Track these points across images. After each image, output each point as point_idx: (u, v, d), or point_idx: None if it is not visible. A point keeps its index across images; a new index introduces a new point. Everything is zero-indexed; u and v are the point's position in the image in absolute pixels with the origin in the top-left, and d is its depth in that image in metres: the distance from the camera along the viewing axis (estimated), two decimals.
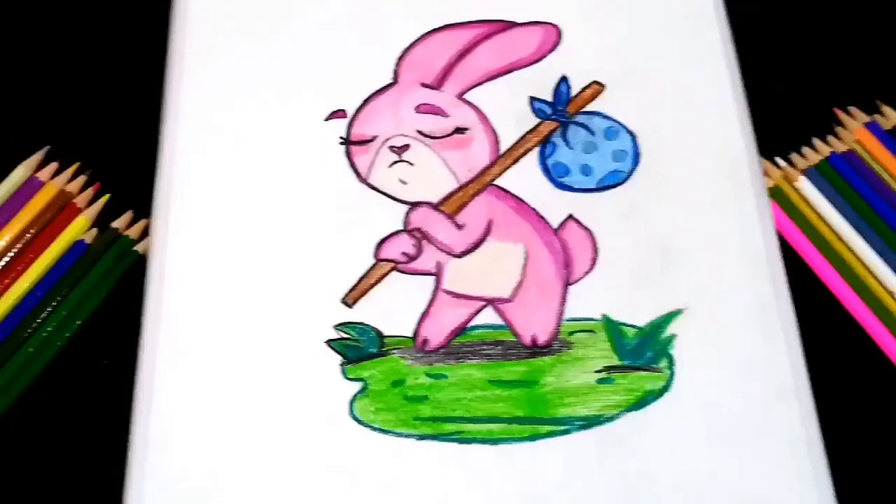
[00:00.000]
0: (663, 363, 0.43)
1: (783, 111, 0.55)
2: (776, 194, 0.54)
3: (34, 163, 0.52)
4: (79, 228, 0.51)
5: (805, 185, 0.54)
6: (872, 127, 0.55)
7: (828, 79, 0.58)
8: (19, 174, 0.52)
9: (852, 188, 0.53)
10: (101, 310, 0.49)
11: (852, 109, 0.56)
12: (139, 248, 0.51)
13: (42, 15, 0.58)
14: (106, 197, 0.52)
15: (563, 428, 0.42)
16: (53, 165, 0.52)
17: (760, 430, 0.42)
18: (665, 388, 0.42)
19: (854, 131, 0.55)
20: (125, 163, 0.52)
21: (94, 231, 0.51)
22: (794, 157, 0.55)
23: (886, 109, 0.55)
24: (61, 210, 0.51)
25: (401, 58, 0.49)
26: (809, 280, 0.52)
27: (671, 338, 0.43)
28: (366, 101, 0.48)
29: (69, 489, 0.46)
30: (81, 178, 0.52)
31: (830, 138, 0.55)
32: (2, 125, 0.55)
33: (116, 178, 0.52)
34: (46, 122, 0.55)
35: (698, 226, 0.46)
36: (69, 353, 0.48)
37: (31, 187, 0.51)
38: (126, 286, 0.49)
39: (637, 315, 0.44)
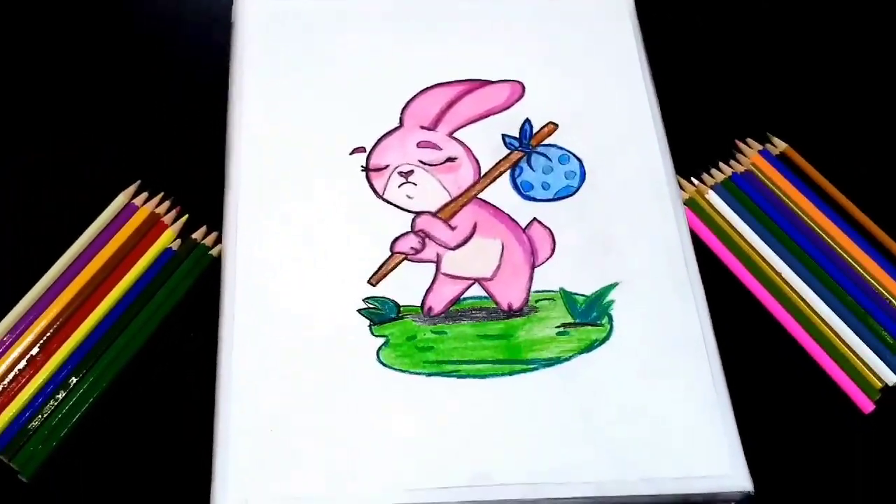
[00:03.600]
0: (605, 320, 0.48)
1: (695, 140, 0.59)
2: (691, 204, 0.58)
3: (130, 192, 0.56)
4: (166, 240, 0.55)
5: (713, 197, 0.59)
6: (764, 153, 0.60)
7: (729, 114, 0.63)
8: (119, 201, 0.56)
9: (750, 199, 0.59)
10: (186, 299, 0.54)
11: (748, 140, 0.61)
12: (213, 252, 0.55)
13: (134, 87, 0.63)
14: (186, 216, 0.56)
15: (532, 367, 0.46)
16: (144, 194, 0.57)
17: (677, 368, 0.47)
18: (606, 338, 0.47)
19: (750, 157, 0.60)
20: (199, 189, 0.56)
21: (178, 241, 0.55)
22: (705, 176, 0.60)
23: (775, 140, 0.61)
24: (152, 227, 0.55)
25: (405, 107, 0.53)
26: (714, 264, 0.57)
27: (610, 302, 0.48)
28: (380, 140, 0.52)
29: (165, 434, 0.51)
30: (166, 203, 0.57)
31: (732, 162, 0.61)
32: (104, 165, 0.59)
33: (193, 201, 0.57)
34: (138, 161, 0.59)
35: (629, 225, 0.51)
36: (164, 331, 0.53)
37: (129, 211, 0.56)
38: (204, 282, 0.54)
39: (585, 287, 0.49)
